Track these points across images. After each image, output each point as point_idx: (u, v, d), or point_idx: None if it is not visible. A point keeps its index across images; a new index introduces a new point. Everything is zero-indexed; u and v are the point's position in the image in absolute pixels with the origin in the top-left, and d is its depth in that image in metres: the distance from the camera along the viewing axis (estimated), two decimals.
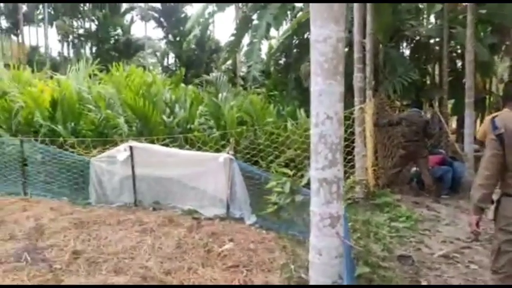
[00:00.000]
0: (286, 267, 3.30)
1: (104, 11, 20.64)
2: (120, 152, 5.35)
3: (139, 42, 20.84)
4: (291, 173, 3.67)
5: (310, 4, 2.01)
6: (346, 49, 8.81)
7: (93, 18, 21.08)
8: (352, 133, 6.01)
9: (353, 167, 6.12)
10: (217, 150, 5.62)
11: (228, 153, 5.08)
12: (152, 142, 5.67)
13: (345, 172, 6.06)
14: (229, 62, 17.03)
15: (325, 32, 1.92)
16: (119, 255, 3.61)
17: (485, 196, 2.43)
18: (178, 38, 17.45)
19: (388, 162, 7.38)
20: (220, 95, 6.63)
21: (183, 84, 9.98)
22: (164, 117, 6.41)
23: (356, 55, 5.98)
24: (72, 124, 6.52)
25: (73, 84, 7.58)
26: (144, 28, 19.62)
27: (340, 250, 1.81)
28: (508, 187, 2.41)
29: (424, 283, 3.43)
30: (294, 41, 10.64)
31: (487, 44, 10.40)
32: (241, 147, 5.75)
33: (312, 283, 1.84)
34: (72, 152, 5.84)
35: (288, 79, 10.04)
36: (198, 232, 4.20)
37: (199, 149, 5.69)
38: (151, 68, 20.61)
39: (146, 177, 5.38)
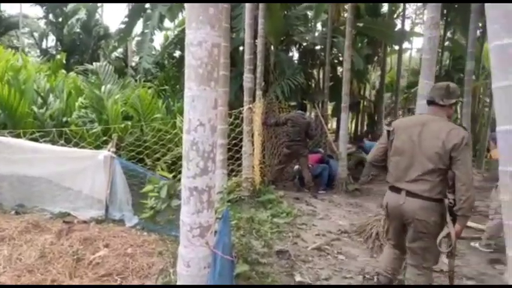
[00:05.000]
0: (164, 272, 3.20)
1: None
2: None
3: (12, 20, 18.12)
4: (170, 175, 3.55)
5: (186, 5, 1.94)
6: (241, 48, 8.98)
7: None
8: (242, 132, 6.13)
9: (241, 165, 6.25)
10: (98, 147, 5.20)
11: (109, 150, 4.73)
12: (18, 136, 4.97)
13: (232, 170, 6.19)
14: (120, 50, 15.98)
15: (200, 36, 1.87)
16: None
17: None
18: (60, 19, 15.67)
19: (275, 159, 7.75)
20: (103, 86, 6.12)
21: (64, 71, 9.00)
22: (35, 108, 5.67)
23: (246, 56, 6.10)
24: None
25: None
26: (19, 5, 16.97)
27: (209, 260, 1.79)
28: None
29: (297, 276, 3.65)
30: None
31: (363, 54, 11.66)
32: (126, 144, 5.41)
33: None
34: None
35: (181, 73, 9.81)
36: (68, 238, 3.81)
37: (76, 144, 5.19)
38: (26, 50, 18.12)
39: (8, 177, 4.69)
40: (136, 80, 9.50)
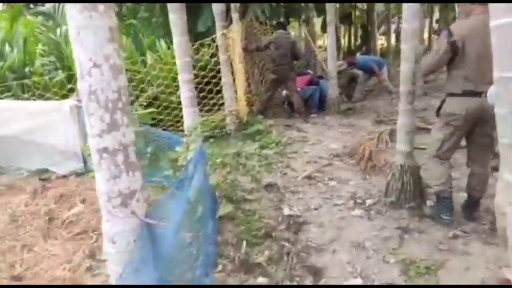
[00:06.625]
0: None
1: None
2: None
3: None
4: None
5: None
6: None
7: None
8: (219, 62, 5.66)
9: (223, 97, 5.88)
10: (65, 96, 4.82)
11: (74, 99, 4.38)
12: None
13: (215, 104, 5.84)
14: None
15: None
16: None
17: None
18: None
19: (262, 87, 7.35)
20: (59, 29, 5.51)
21: (29, 17, 8.19)
22: None
23: None
24: None
25: None
26: None
27: (139, 232, 1.49)
28: (453, 88, 2.85)
29: (285, 209, 3.50)
30: None
31: None
32: None
33: (111, 274, 1.55)
34: None
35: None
36: (44, 197, 3.63)
37: (41, 96, 4.80)
38: None
39: None
40: None
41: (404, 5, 3.15)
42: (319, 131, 5.98)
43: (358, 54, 8.56)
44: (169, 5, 3.09)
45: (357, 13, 13.58)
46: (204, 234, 2.86)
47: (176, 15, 3.08)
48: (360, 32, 13.72)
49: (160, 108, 5.26)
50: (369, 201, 3.53)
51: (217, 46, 5.56)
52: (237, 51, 6.23)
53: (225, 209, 3.32)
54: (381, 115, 6.36)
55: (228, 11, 6.36)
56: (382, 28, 14.89)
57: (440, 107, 2.98)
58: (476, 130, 2.90)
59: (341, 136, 5.65)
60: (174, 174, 2.64)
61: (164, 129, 5.26)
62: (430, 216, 3.13)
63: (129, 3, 7.89)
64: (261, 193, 3.86)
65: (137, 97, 5.11)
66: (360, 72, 7.93)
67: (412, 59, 3.15)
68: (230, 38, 5.86)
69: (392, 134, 5.21)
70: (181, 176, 2.34)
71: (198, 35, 6.58)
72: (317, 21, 11.54)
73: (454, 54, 2.78)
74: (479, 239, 2.78)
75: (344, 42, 14.20)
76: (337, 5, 11.86)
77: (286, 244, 2.92)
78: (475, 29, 2.70)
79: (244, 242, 2.95)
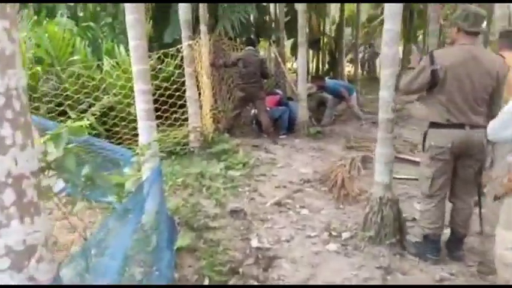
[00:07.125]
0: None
1: None
2: None
3: None
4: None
5: None
6: None
7: None
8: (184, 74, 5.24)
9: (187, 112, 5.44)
10: None
11: None
12: None
13: (177, 119, 5.39)
14: None
15: None
16: None
17: None
18: None
19: (229, 104, 7.00)
20: None
21: None
22: None
23: None
24: None
25: None
26: None
27: None
28: (434, 117, 2.68)
29: (254, 240, 3.10)
30: None
31: None
32: (40, 94, 4.39)
33: None
34: None
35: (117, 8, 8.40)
36: None
37: None
38: None
39: None
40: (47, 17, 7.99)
41: (386, 27, 2.95)
42: (288, 153, 5.67)
43: (327, 78, 8.45)
44: (126, 5, 2.69)
45: (325, 40, 13.74)
46: (159, 270, 2.41)
47: (133, 16, 2.66)
48: (327, 58, 13.86)
49: (116, 120, 4.73)
50: (345, 235, 3.21)
51: (182, 57, 5.16)
52: (204, 65, 5.87)
53: (184, 238, 2.87)
54: (351, 141, 6.16)
55: (197, 23, 6.04)
56: (349, 56, 15.18)
57: (424, 140, 2.77)
58: (458, 163, 2.74)
59: (311, 160, 5.37)
60: (120, 200, 2.18)
61: (119, 143, 4.74)
62: (414, 254, 2.85)
63: (90, 8, 7.34)
64: (226, 220, 3.44)
65: (90, 106, 4.56)
66: (329, 96, 7.81)
67: (393, 85, 2.95)
68: (197, 50, 5.49)
69: (364, 160, 5.01)
70: (128, 204, 1.89)
71: (163, 45, 6.19)
72: (287, 44, 11.51)
73: (434, 84, 2.65)
74: (467, 283, 2.52)
75: (312, 67, 14.28)
76: (307, 29, 11.92)
77: (255, 283, 2.51)
78: (459, 59, 2.58)
79: (207, 280, 2.51)
